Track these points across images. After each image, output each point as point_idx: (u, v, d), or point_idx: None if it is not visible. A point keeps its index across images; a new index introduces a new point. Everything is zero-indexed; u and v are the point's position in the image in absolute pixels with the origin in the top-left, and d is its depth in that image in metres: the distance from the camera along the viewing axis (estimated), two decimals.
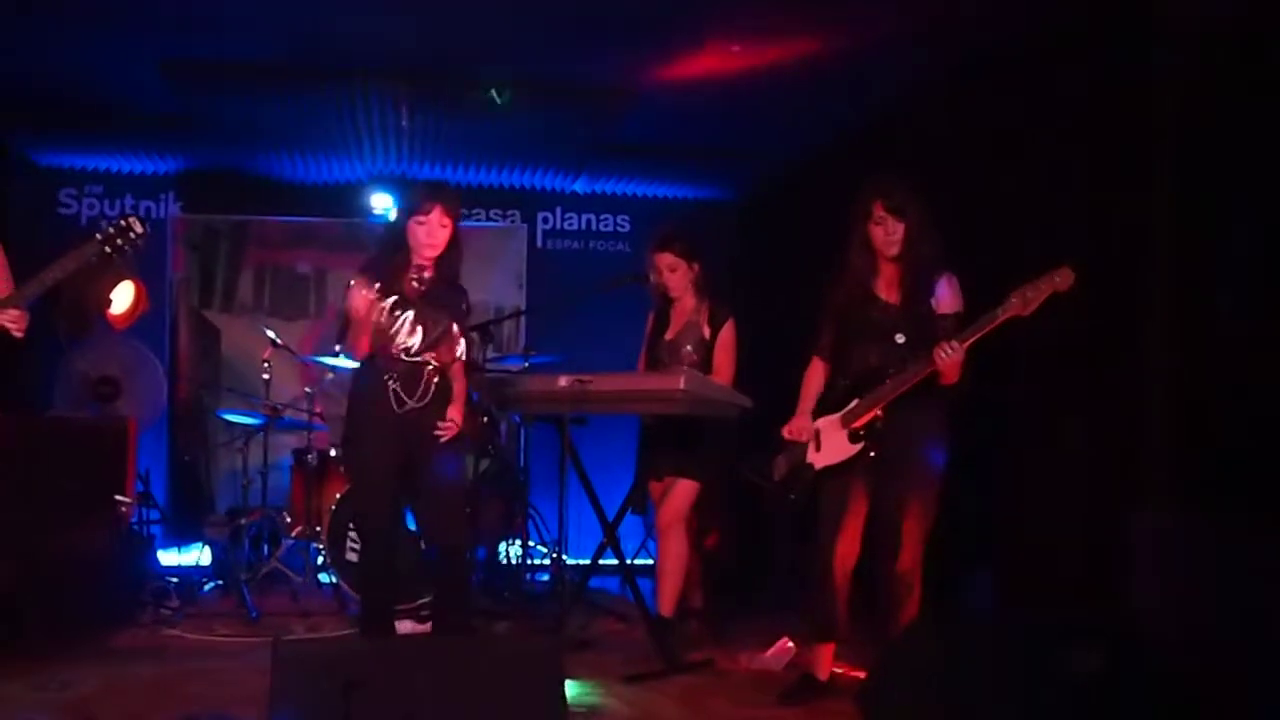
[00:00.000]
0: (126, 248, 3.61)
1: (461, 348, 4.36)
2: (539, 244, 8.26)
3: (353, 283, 4.08)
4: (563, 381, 4.62)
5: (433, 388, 4.27)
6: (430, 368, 4.27)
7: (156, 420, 7.16)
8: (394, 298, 4.09)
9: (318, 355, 6.69)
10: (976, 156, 5.05)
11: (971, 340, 3.69)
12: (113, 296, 6.69)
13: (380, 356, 4.24)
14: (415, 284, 4.19)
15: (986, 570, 4.74)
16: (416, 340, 4.22)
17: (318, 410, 6.56)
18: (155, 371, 6.95)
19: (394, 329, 4.14)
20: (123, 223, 3.61)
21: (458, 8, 5.04)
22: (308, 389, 6.57)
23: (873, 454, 3.89)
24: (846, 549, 4.02)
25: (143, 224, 3.64)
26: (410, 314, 4.19)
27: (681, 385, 4.31)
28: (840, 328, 4.11)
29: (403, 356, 4.22)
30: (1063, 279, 3.57)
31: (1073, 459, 4.34)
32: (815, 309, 4.20)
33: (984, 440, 4.59)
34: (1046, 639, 3.25)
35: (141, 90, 6.03)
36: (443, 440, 4.26)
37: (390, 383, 4.22)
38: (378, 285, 4.05)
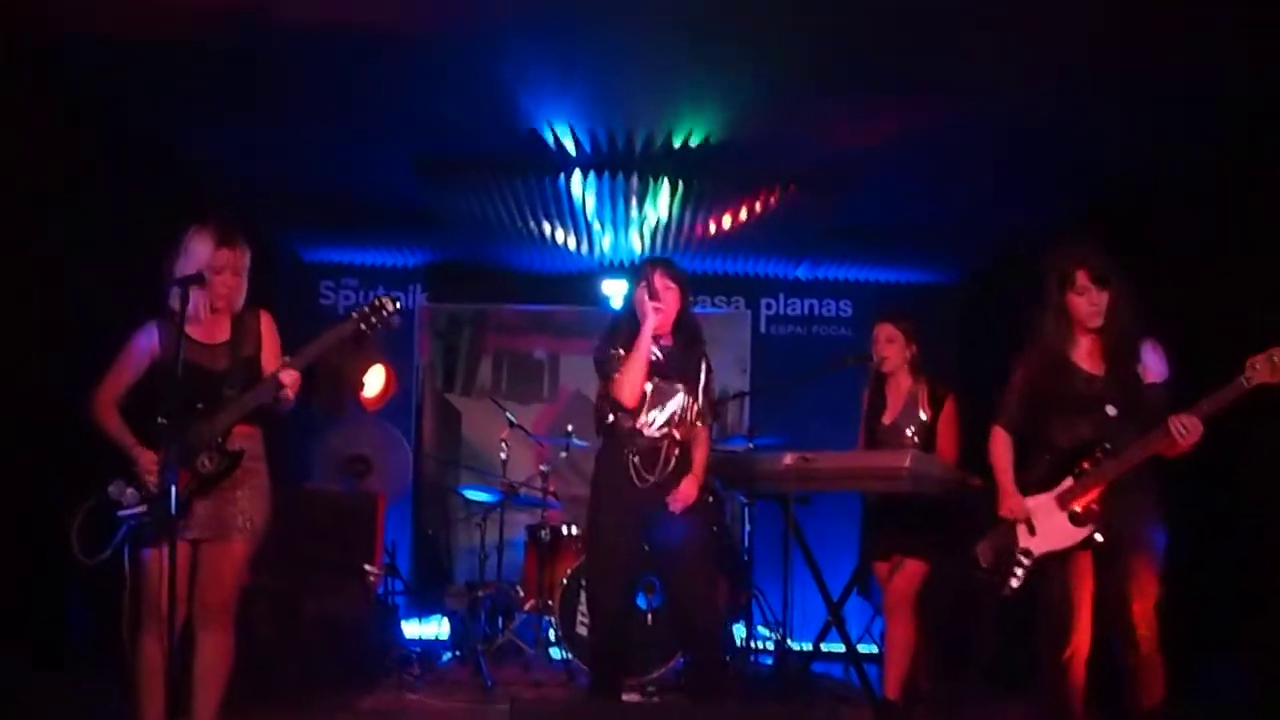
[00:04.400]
0: (380, 325, 3.81)
1: (703, 413, 4.39)
2: (762, 329, 8.40)
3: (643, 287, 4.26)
4: (787, 460, 4.68)
5: (673, 462, 4.32)
6: (670, 441, 4.32)
7: (403, 495, 7.59)
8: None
9: (552, 436, 6.98)
10: (1209, 225, 4.88)
11: (1211, 413, 3.51)
12: (366, 380, 7.18)
13: (622, 432, 4.33)
14: (655, 355, 4.31)
15: (1234, 650, 4.47)
16: (656, 416, 4.31)
17: (551, 489, 6.81)
18: (403, 450, 7.38)
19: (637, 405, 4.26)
20: (376, 302, 3.82)
21: (680, 100, 5.30)
22: (542, 468, 6.84)
23: (1099, 537, 3.71)
24: (1081, 639, 3.81)
25: (394, 302, 3.85)
26: (650, 388, 4.30)
27: (907, 463, 4.30)
28: (1033, 399, 3.94)
29: (644, 432, 4.31)
30: None
31: None
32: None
33: (1230, 513, 4.38)
34: None
35: (395, 188, 6.54)
36: (674, 511, 4.28)
37: (631, 457, 4.29)
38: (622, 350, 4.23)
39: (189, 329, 3.63)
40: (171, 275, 3.66)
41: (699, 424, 4.40)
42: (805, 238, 7.30)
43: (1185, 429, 3.51)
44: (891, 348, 4.90)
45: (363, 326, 3.81)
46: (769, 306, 8.43)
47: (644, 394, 4.29)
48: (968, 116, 5.29)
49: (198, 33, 4.55)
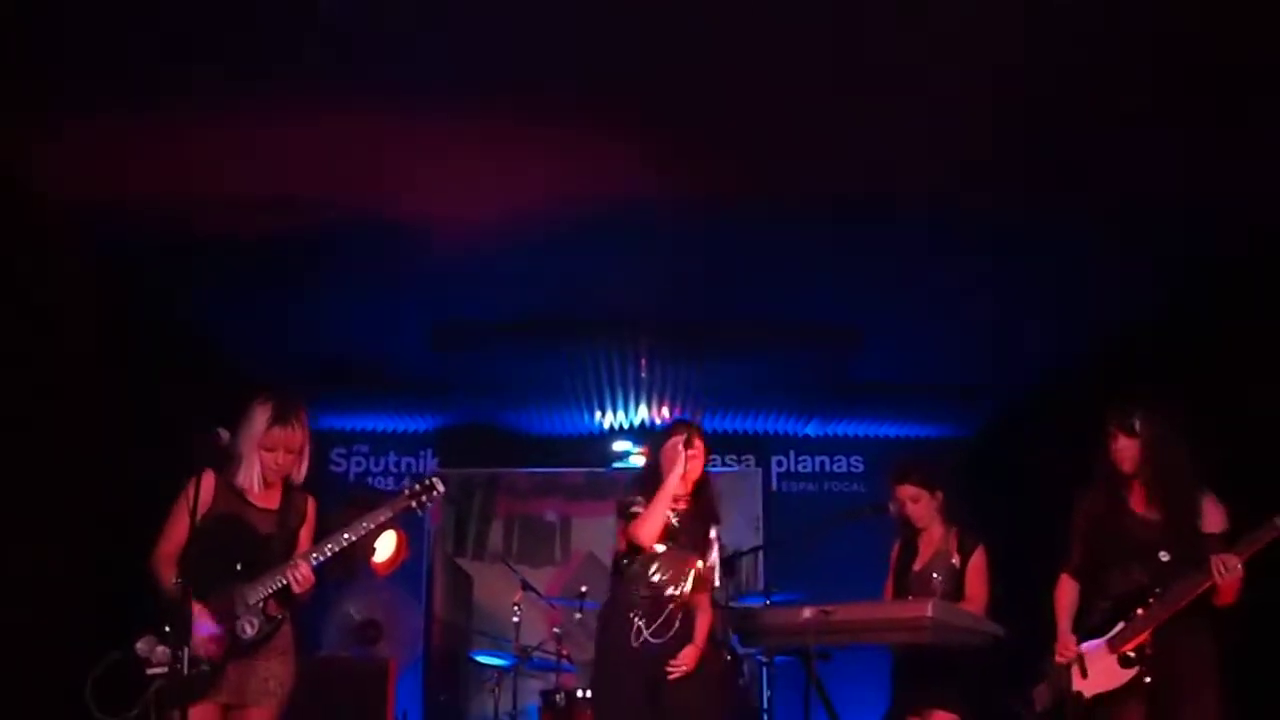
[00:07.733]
0: (428, 504, 3.91)
1: (710, 579, 4.39)
2: (774, 487, 8.40)
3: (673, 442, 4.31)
4: (806, 613, 4.58)
5: (676, 625, 4.27)
6: (675, 603, 4.29)
7: (414, 662, 7.46)
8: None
9: (565, 598, 6.91)
10: (1227, 370, 4.94)
11: (1250, 553, 3.58)
12: (377, 545, 7.12)
13: (629, 587, 4.30)
14: (671, 518, 4.32)
15: None
16: (663, 577, 4.28)
17: (565, 652, 6.69)
18: (414, 615, 7.31)
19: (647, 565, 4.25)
20: (428, 481, 3.92)
21: (692, 263, 5.45)
22: (555, 630, 6.75)
23: (1147, 679, 3.74)
24: None
25: (445, 483, 3.95)
26: (660, 549, 4.29)
27: (929, 612, 4.22)
28: (1093, 545, 4.03)
29: (648, 592, 4.27)
30: None
31: None
32: (1064, 530, 4.14)
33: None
34: None
35: (410, 354, 6.67)
36: (672, 678, 4.20)
37: (635, 618, 4.25)
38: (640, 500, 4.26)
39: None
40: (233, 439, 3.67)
41: (701, 592, 4.38)
42: (812, 393, 7.38)
43: (1226, 568, 3.60)
44: (917, 506, 4.87)
45: (413, 504, 3.88)
46: (780, 464, 8.45)
47: (654, 551, 4.29)
48: (973, 273, 5.44)
49: (224, 219, 4.80)
